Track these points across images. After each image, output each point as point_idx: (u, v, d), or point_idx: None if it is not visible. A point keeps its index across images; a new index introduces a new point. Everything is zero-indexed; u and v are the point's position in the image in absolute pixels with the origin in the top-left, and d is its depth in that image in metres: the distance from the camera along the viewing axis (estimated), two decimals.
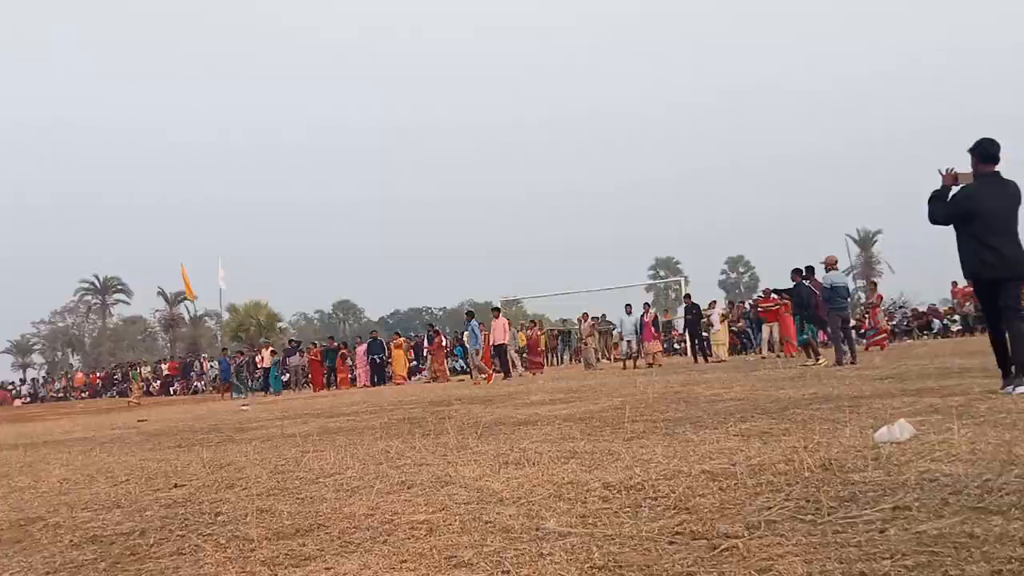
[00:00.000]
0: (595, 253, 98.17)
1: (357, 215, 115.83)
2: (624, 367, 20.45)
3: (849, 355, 12.39)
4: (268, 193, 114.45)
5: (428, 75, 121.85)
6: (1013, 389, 5.69)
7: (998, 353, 6.04)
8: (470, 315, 21.96)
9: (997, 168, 6.03)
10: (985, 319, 6.46)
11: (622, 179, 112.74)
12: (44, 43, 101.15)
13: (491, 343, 20.23)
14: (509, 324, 21.03)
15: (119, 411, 21.19)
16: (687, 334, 22.62)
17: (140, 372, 33.90)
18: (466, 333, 21.12)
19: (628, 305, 21.96)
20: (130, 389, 31.31)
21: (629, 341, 21.34)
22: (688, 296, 22.85)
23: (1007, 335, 5.92)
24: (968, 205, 5.97)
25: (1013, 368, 5.82)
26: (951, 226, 6.12)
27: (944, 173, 6.21)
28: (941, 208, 6.13)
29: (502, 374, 19.71)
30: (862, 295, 34.76)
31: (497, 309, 20.98)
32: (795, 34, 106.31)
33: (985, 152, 6.01)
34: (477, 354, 19.97)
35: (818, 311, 13.10)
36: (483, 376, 19.16)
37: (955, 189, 6.12)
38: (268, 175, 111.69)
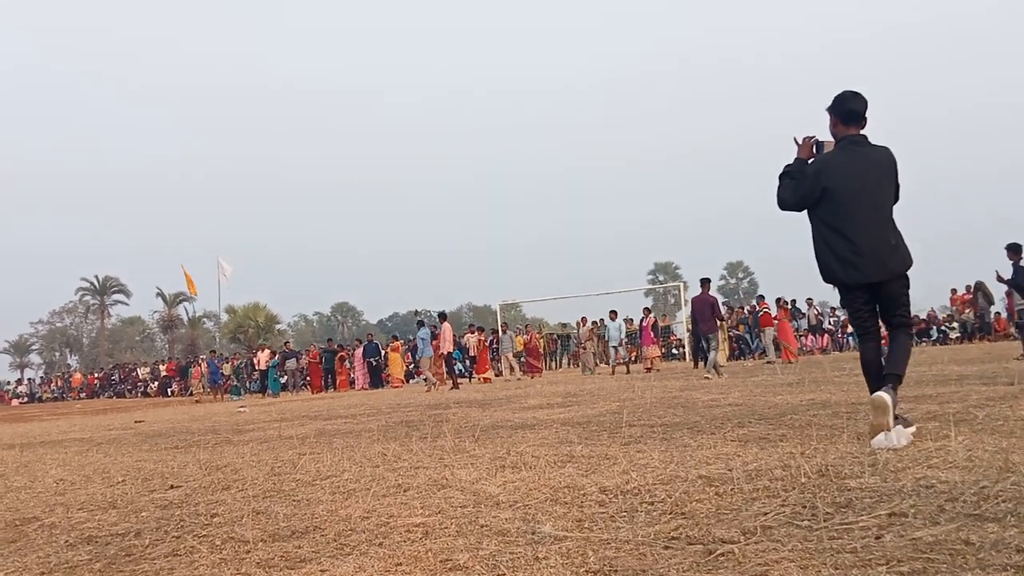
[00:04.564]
0: (597, 254, 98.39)
1: (359, 214, 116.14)
2: (613, 372, 20.33)
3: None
4: (270, 193, 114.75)
5: (426, 66, 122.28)
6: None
7: (871, 379, 4.36)
8: (436, 316, 20.56)
9: (863, 131, 4.39)
10: (856, 334, 4.67)
11: (625, 181, 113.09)
12: (43, 40, 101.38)
13: (441, 352, 19.35)
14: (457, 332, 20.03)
15: (116, 412, 21.15)
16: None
17: (201, 367, 31.62)
18: (420, 338, 20.20)
19: (612, 311, 21.68)
20: (190, 384, 31.15)
21: (615, 347, 21.22)
22: None
23: (889, 349, 4.35)
24: (818, 182, 4.34)
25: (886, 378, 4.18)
26: (805, 212, 4.50)
27: (800, 142, 4.59)
28: (789, 189, 4.51)
29: (436, 384, 18.83)
30: None
31: (443, 315, 19.98)
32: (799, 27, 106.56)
33: (844, 109, 4.38)
34: (429, 362, 19.44)
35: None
36: (432, 383, 18.68)
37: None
38: (269, 174, 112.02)
